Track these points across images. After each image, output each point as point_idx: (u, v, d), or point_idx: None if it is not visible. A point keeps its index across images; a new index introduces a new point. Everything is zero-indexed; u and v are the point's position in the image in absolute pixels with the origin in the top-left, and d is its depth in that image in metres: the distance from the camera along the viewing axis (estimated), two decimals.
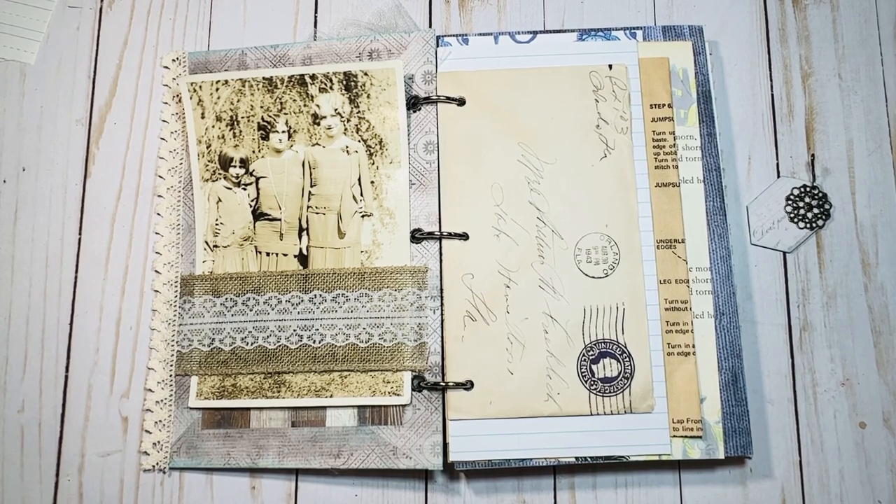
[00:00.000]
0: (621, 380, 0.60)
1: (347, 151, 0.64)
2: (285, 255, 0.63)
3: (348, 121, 0.64)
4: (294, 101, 0.65)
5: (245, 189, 0.65)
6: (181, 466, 0.62)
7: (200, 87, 0.65)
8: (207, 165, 0.65)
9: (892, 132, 0.66)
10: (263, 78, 0.65)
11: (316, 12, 0.70)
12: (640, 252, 0.62)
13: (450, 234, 0.62)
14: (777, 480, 0.61)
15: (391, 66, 0.63)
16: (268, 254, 0.64)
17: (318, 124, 0.64)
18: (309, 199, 0.64)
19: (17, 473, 0.62)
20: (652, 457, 0.59)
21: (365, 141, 0.64)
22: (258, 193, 0.64)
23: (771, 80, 0.67)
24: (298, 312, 0.62)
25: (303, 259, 0.63)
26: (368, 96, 0.64)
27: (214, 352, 0.63)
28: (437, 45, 0.66)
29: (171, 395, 0.63)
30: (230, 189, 0.65)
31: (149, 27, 0.70)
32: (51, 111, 0.69)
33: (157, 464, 0.62)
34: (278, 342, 0.62)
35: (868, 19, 0.68)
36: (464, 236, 0.62)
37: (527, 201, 0.63)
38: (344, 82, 0.64)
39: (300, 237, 0.64)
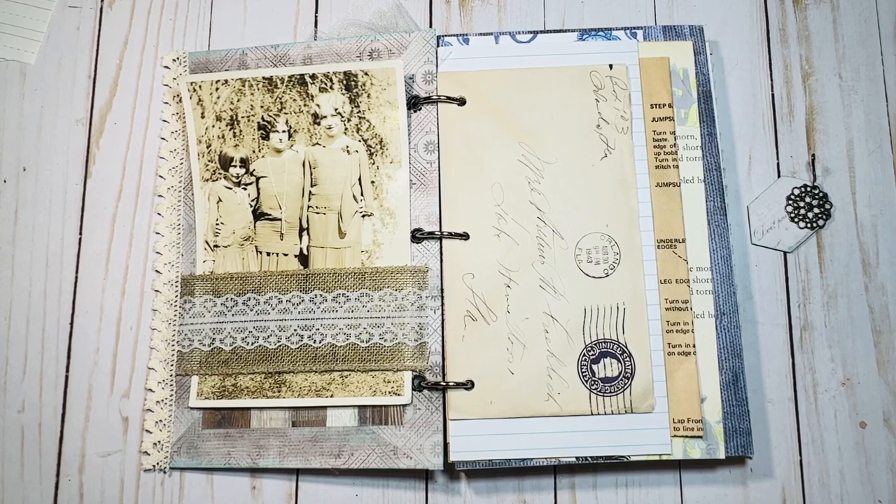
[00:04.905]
0: (622, 379, 0.60)
1: (348, 151, 0.64)
2: (286, 254, 0.63)
3: (349, 120, 0.64)
4: (294, 100, 0.65)
5: (245, 189, 0.65)
6: (182, 466, 0.62)
7: (200, 86, 0.65)
8: (208, 165, 0.65)
9: (893, 132, 0.66)
10: (263, 78, 0.65)
11: (316, 12, 0.70)
12: (641, 252, 0.62)
13: (450, 233, 0.62)
14: (777, 480, 0.61)
15: (391, 66, 0.63)
16: (268, 254, 0.64)
17: (319, 124, 0.64)
18: (309, 199, 0.64)
19: (18, 473, 0.62)
20: (652, 457, 0.59)
21: (365, 141, 0.64)
22: (258, 193, 0.64)
23: (771, 79, 0.68)
24: (299, 312, 0.62)
25: (303, 259, 0.63)
26: (369, 96, 0.64)
27: (215, 351, 0.63)
28: (438, 45, 0.66)
29: (171, 395, 0.63)
30: (230, 189, 0.65)
31: (149, 27, 0.70)
32: (51, 111, 0.68)
33: (158, 464, 0.62)
34: (279, 342, 0.62)
35: (868, 19, 0.68)
36: (464, 236, 0.62)
37: (527, 201, 0.63)
38: (344, 82, 0.64)
39: (300, 237, 0.64)
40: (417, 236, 0.63)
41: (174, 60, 0.68)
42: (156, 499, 0.62)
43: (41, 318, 0.65)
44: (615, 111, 0.64)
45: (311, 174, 0.64)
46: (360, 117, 0.64)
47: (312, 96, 0.64)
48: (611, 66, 0.65)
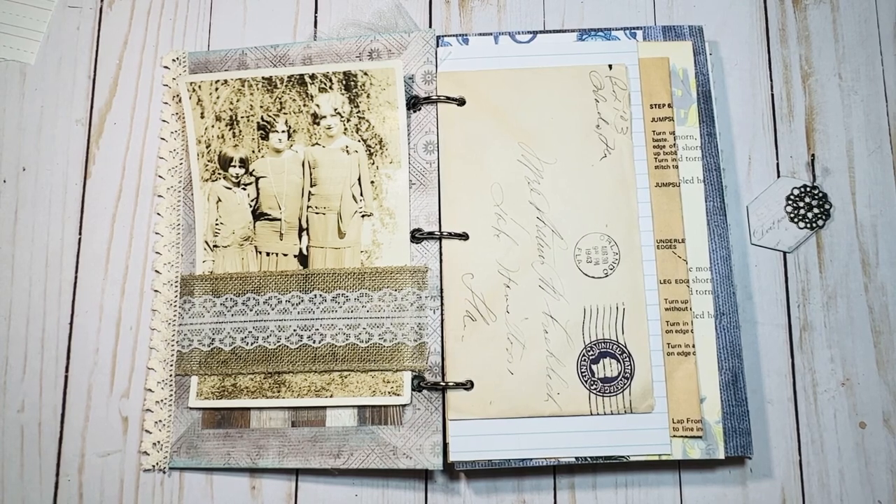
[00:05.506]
0: (621, 380, 0.60)
1: (347, 151, 0.64)
2: (285, 255, 0.63)
3: (348, 120, 0.64)
4: (294, 100, 0.65)
5: (245, 189, 0.65)
6: (181, 466, 0.62)
7: (199, 86, 0.65)
8: (207, 165, 0.65)
9: (892, 132, 0.66)
10: (263, 78, 0.65)
11: (316, 12, 0.70)
12: (640, 252, 0.62)
13: (450, 233, 0.62)
14: (777, 480, 0.61)
15: (391, 66, 0.63)
16: (268, 254, 0.64)
17: (318, 124, 0.64)
18: (309, 199, 0.64)
19: (17, 473, 0.62)
20: (652, 457, 0.59)
21: (365, 141, 0.64)
22: (258, 193, 0.64)
23: (771, 80, 0.67)
24: (298, 312, 0.62)
25: (303, 259, 0.63)
26: (368, 96, 0.64)
27: (214, 352, 0.63)
28: (437, 45, 0.66)
29: (171, 395, 0.63)
30: (230, 189, 0.65)
31: (149, 27, 0.70)
32: (51, 111, 0.69)
33: (157, 464, 0.62)
34: (278, 342, 0.62)
35: (868, 19, 0.68)
36: (464, 236, 0.62)
37: (527, 201, 0.63)
38: (344, 82, 0.64)
39: (300, 237, 0.64)
40: (417, 236, 0.63)
41: (174, 60, 0.68)
42: (155, 499, 0.62)
43: (41, 318, 0.65)
44: (615, 111, 0.64)
45: (311, 174, 0.64)
46: (359, 117, 0.64)
47: (312, 96, 0.64)
48: (610, 67, 0.65)
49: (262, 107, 0.65)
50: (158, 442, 0.62)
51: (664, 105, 0.64)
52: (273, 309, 0.62)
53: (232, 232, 0.64)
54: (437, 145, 0.64)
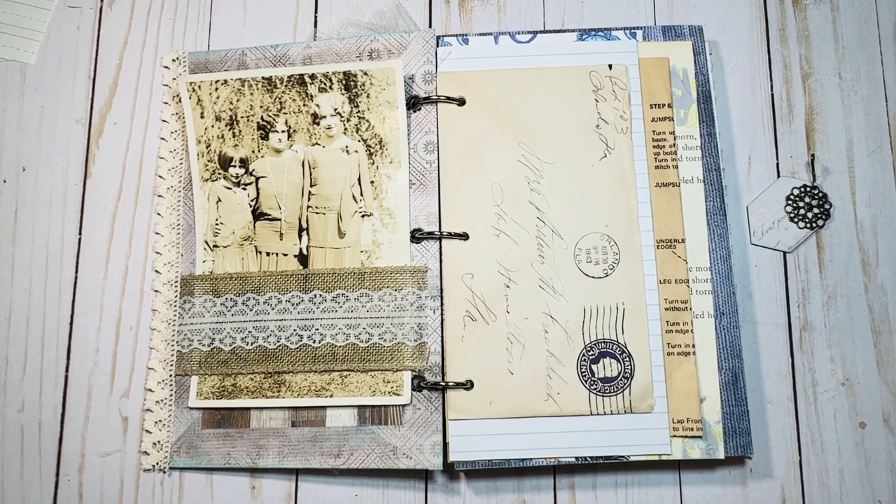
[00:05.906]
0: (621, 380, 0.60)
1: (347, 151, 0.64)
2: (285, 254, 0.63)
3: (348, 120, 0.64)
4: (294, 100, 0.65)
5: (245, 189, 0.65)
6: (181, 466, 0.62)
7: (199, 86, 0.65)
8: (207, 165, 0.65)
9: (892, 132, 0.66)
10: (263, 77, 0.65)
11: (316, 12, 0.70)
12: (640, 252, 0.62)
13: (450, 233, 0.62)
14: (777, 480, 0.61)
15: (391, 66, 0.63)
16: (268, 254, 0.64)
17: (318, 124, 0.64)
18: (309, 199, 0.64)
19: (17, 473, 0.62)
20: (652, 457, 0.59)
21: (365, 141, 0.64)
22: (258, 193, 0.64)
23: (771, 80, 0.67)
24: (298, 312, 0.62)
25: (303, 259, 0.63)
26: (368, 96, 0.64)
27: (214, 352, 0.63)
28: (437, 45, 0.66)
29: (171, 395, 0.63)
30: (230, 189, 0.65)
31: (149, 27, 0.70)
32: (51, 111, 0.69)
33: (157, 464, 0.62)
34: (278, 342, 0.62)
35: (868, 19, 0.68)
36: (464, 236, 0.62)
37: (527, 201, 0.63)
38: (343, 82, 0.64)
39: (300, 237, 0.64)
40: (417, 236, 0.63)
41: (174, 60, 0.68)
42: (155, 499, 0.62)
43: (41, 318, 0.65)
44: (615, 111, 0.64)
45: (311, 174, 0.64)
46: (359, 117, 0.64)
47: (312, 96, 0.64)
48: (610, 67, 0.65)
49: (262, 107, 0.65)
50: (158, 442, 0.62)
51: (664, 105, 0.64)
52: (273, 309, 0.62)
53: (232, 232, 0.64)
54: (437, 145, 0.64)
